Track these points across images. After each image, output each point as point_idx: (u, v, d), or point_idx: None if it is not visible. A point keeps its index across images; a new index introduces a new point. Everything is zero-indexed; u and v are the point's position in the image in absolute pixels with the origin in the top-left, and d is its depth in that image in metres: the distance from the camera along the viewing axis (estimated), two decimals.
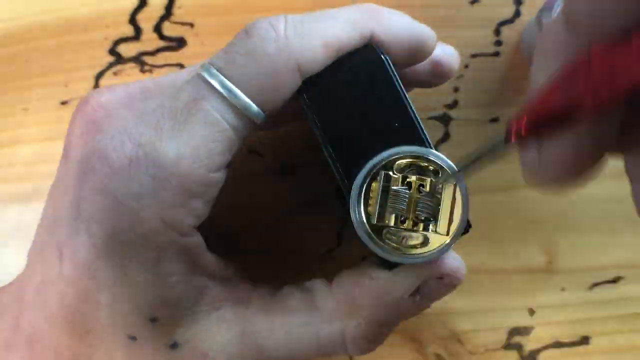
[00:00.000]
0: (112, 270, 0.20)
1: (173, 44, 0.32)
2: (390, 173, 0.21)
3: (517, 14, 0.32)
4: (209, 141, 0.20)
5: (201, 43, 0.32)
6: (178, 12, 0.32)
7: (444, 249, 0.21)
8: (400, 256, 0.21)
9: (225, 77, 0.20)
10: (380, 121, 0.22)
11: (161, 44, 0.32)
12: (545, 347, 0.31)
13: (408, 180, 0.21)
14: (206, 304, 0.22)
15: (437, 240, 0.21)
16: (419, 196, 0.21)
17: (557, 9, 0.29)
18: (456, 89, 0.32)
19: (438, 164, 0.21)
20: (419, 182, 0.21)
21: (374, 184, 0.21)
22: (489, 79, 0.32)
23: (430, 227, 0.21)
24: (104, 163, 0.20)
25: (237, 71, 0.20)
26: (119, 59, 0.32)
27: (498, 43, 0.32)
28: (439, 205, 0.21)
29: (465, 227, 0.21)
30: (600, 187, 0.31)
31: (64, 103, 0.32)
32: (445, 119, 0.32)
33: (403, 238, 0.21)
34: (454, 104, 0.32)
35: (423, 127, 0.22)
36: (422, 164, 0.21)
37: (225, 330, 0.22)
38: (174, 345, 0.21)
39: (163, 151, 0.19)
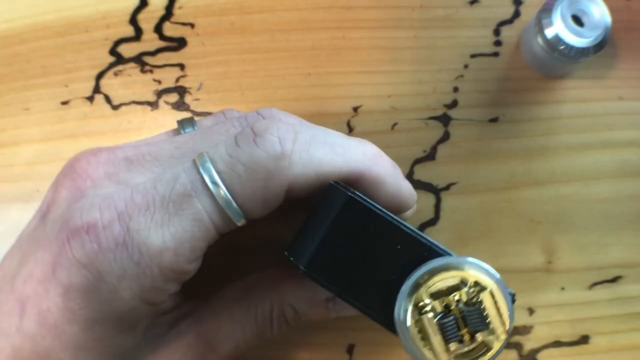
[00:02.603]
0: (83, 333, 0.21)
1: (173, 44, 0.32)
2: (423, 303, 0.20)
3: (517, 14, 0.32)
4: (194, 238, 0.21)
5: (202, 43, 0.32)
6: (178, 13, 0.32)
7: (503, 346, 0.20)
8: None
9: (224, 183, 0.20)
10: (386, 255, 0.21)
11: (162, 44, 0.32)
12: (545, 347, 0.31)
13: (445, 303, 0.20)
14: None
15: (492, 341, 0.20)
16: (463, 312, 0.20)
17: (557, 10, 0.29)
18: (456, 89, 0.32)
19: (475, 269, 0.20)
20: (455, 299, 0.20)
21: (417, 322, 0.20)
22: (489, 79, 0.32)
23: (486, 333, 0.20)
24: (93, 240, 0.20)
25: (235, 180, 0.20)
26: (120, 59, 0.32)
27: (497, 43, 0.32)
28: (484, 310, 0.20)
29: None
30: (601, 187, 0.31)
31: (64, 103, 0.32)
32: (444, 119, 0.32)
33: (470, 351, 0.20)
34: (453, 104, 0.32)
35: (429, 239, 0.21)
36: (450, 277, 0.20)
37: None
38: None
39: (150, 241, 0.20)
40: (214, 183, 0.20)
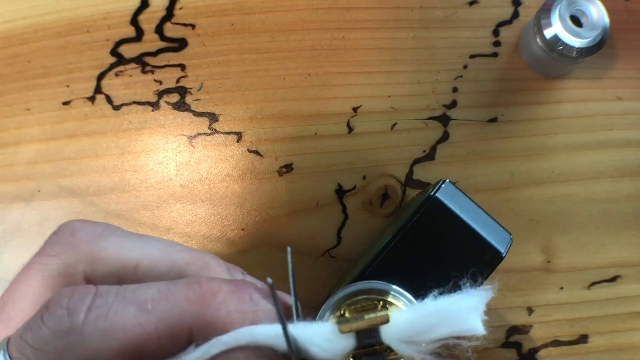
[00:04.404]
0: None
1: (175, 45, 0.32)
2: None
3: (516, 15, 0.33)
4: None
5: (202, 44, 0.32)
6: (179, 14, 0.33)
7: None
8: None
9: None
10: None
11: (163, 45, 0.32)
12: (544, 346, 0.31)
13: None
14: None
15: None
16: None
17: (556, 11, 0.29)
18: (455, 90, 0.32)
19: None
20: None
21: None
22: (488, 80, 0.32)
23: None
24: None
25: None
26: (121, 60, 0.32)
27: (497, 44, 0.32)
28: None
29: None
30: (600, 187, 0.32)
31: (66, 103, 0.32)
32: (444, 120, 0.32)
33: None
34: (453, 105, 0.32)
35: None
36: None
37: None
38: None
39: None
40: None
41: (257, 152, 0.32)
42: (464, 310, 0.19)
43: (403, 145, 0.32)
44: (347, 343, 0.19)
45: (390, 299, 0.21)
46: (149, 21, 0.32)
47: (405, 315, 0.19)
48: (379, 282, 0.21)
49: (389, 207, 0.31)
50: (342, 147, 0.32)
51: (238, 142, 0.32)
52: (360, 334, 0.19)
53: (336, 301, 0.21)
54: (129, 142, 0.32)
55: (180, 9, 0.32)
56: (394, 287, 0.21)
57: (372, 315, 0.19)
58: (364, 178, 0.31)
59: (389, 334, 0.19)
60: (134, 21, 0.33)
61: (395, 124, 0.32)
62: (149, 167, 0.32)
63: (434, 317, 0.19)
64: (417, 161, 0.32)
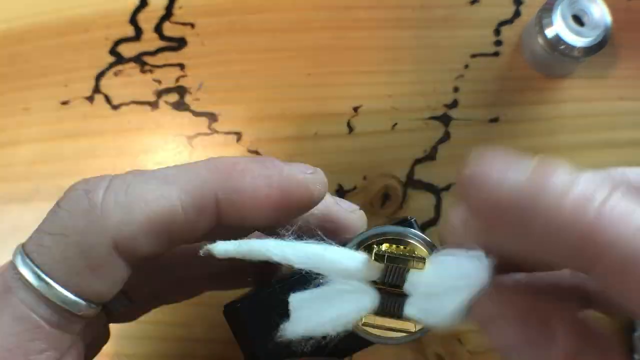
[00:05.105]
0: None
1: (173, 44, 0.32)
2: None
3: (517, 14, 0.32)
4: (23, 340, 0.17)
5: (201, 43, 0.32)
6: (178, 13, 0.32)
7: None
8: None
9: (34, 263, 0.17)
10: None
11: (162, 44, 0.32)
12: None
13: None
14: None
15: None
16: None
17: (558, 10, 0.29)
18: (456, 89, 0.32)
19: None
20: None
21: None
22: (489, 79, 0.32)
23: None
24: None
25: (46, 255, 0.17)
26: (120, 59, 0.32)
27: (498, 43, 0.32)
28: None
29: None
30: None
31: (64, 103, 0.32)
32: (445, 119, 0.32)
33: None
34: (454, 104, 0.32)
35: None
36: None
37: None
38: None
39: None
40: (24, 264, 0.17)
41: (257, 152, 0.32)
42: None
43: (403, 145, 0.32)
44: (372, 273, 0.19)
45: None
46: (147, 20, 0.32)
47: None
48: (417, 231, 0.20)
49: (390, 208, 0.31)
50: (342, 147, 0.32)
51: (237, 142, 0.32)
52: (389, 270, 0.19)
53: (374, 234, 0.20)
54: (127, 142, 0.32)
55: (180, 7, 0.32)
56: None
57: (409, 255, 0.19)
58: (364, 178, 0.31)
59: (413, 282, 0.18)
60: (133, 20, 0.32)
61: (396, 123, 0.32)
62: (147, 167, 0.32)
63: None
64: (417, 161, 0.31)
